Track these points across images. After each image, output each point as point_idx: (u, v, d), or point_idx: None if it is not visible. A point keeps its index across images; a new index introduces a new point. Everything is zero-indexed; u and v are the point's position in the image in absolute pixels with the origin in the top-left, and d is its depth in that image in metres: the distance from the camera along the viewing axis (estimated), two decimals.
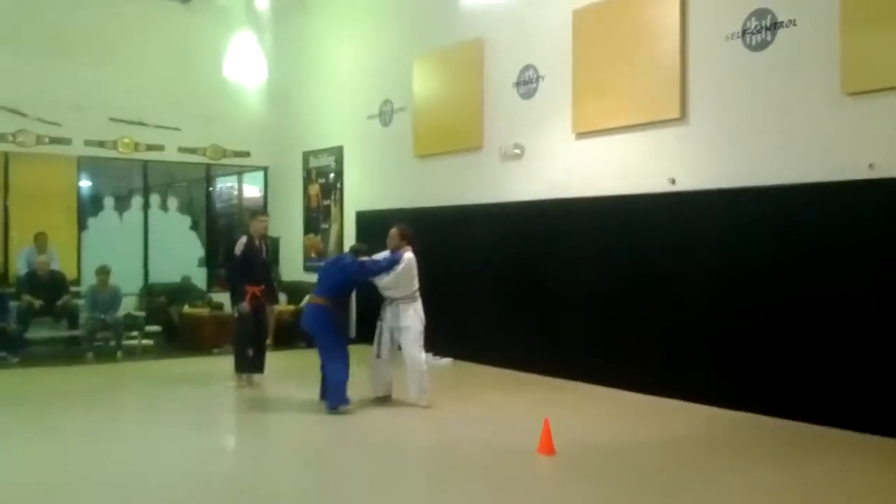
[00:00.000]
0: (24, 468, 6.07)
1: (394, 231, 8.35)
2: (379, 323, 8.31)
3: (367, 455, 6.57)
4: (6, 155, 13.46)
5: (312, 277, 14.05)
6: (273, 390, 9.29)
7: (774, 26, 7.75)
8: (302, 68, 15.01)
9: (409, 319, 8.09)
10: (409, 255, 8.20)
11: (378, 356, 8.26)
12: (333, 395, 7.80)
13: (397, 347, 8.24)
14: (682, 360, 8.37)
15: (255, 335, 9.45)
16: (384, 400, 8.24)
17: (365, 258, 8.31)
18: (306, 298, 8.56)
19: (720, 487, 5.52)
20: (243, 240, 9.40)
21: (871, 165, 7.00)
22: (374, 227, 13.02)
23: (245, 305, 9.20)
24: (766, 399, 7.58)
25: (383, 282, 8.16)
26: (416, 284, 8.23)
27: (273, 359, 9.72)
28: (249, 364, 9.36)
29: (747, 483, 5.61)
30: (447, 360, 10.95)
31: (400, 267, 8.09)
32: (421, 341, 8.12)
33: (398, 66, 12.54)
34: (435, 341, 11.24)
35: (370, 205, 13.16)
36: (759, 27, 7.87)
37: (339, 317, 8.20)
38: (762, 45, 7.86)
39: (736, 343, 7.92)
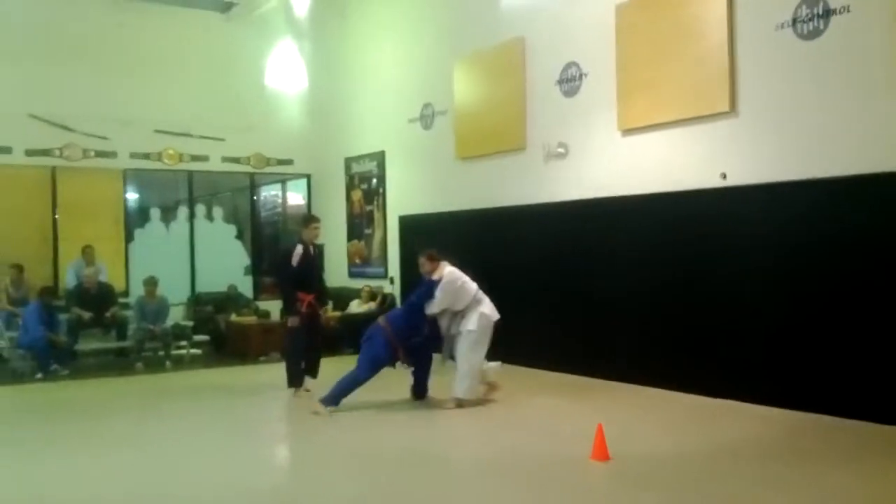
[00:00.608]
0: (74, 480, 6.06)
1: (421, 260, 8.39)
2: (447, 330, 8.28)
3: (417, 463, 6.44)
4: (54, 169, 13.65)
5: (357, 283, 14.08)
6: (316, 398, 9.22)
7: (827, 14, 7.49)
8: (342, 75, 15.00)
9: (471, 323, 8.05)
10: (447, 270, 8.20)
11: (445, 360, 8.42)
12: (333, 392, 7.99)
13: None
14: (738, 360, 8.13)
15: (311, 342, 9.27)
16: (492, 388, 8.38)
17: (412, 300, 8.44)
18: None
19: (788, 496, 5.29)
20: (299, 249, 9.09)
21: None
22: (417, 231, 13.00)
23: (296, 319, 8.98)
24: (827, 399, 7.31)
25: (432, 311, 8.17)
26: (471, 293, 8.16)
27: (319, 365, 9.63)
28: (304, 372, 9.23)
29: (817, 489, 5.39)
30: (496, 364, 10.76)
31: (443, 289, 8.08)
32: (483, 341, 8.06)
33: (438, 68, 12.46)
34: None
35: (413, 209, 13.08)
36: (810, 15, 7.62)
37: (386, 338, 8.14)
38: (814, 34, 7.60)
39: (793, 341, 7.67)
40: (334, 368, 10.28)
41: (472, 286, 8.19)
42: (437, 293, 8.08)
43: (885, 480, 5.55)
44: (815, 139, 7.63)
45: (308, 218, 9.67)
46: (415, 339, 8.14)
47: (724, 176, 8.35)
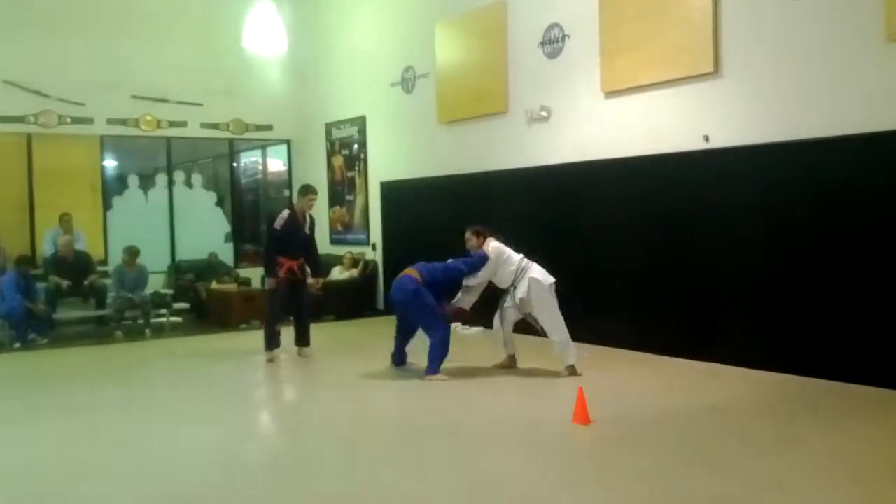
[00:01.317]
0: (54, 448, 5.98)
1: (468, 234, 8.27)
2: (501, 303, 8.14)
3: (396, 429, 6.42)
4: (29, 136, 13.39)
5: (339, 250, 13.97)
6: (302, 365, 9.17)
7: None
8: (322, 38, 14.79)
9: (524, 290, 7.89)
10: (493, 245, 8.11)
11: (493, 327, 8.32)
12: (431, 362, 7.86)
13: (513, 321, 8.14)
14: (721, 323, 8.12)
15: (296, 310, 9.35)
16: (509, 364, 8.23)
17: (456, 260, 8.31)
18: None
19: (769, 455, 5.29)
20: (285, 213, 9.16)
21: None
22: (398, 197, 12.89)
23: (273, 281, 9.06)
24: (813, 361, 7.30)
25: (475, 282, 8.13)
26: (515, 264, 8.02)
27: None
28: (295, 340, 9.30)
29: (806, 447, 5.40)
30: (477, 329, 10.77)
31: (488, 265, 8.05)
32: (552, 305, 7.85)
33: (420, 31, 12.28)
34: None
35: (395, 175, 12.96)
36: None
37: (426, 292, 7.96)
38: None
39: (777, 303, 7.66)
40: (316, 335, 10.25)
41: (515, 258, 8.07)
42: (480, 274, 8.09)
43: (866, 439, 5.55)
44: (800, 100, 7.55)
45: (306, 188, 9.63)
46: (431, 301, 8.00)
47: (706, 138, 8.28)
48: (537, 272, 7.95)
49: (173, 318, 12.38)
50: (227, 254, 14.91)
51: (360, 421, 6.64)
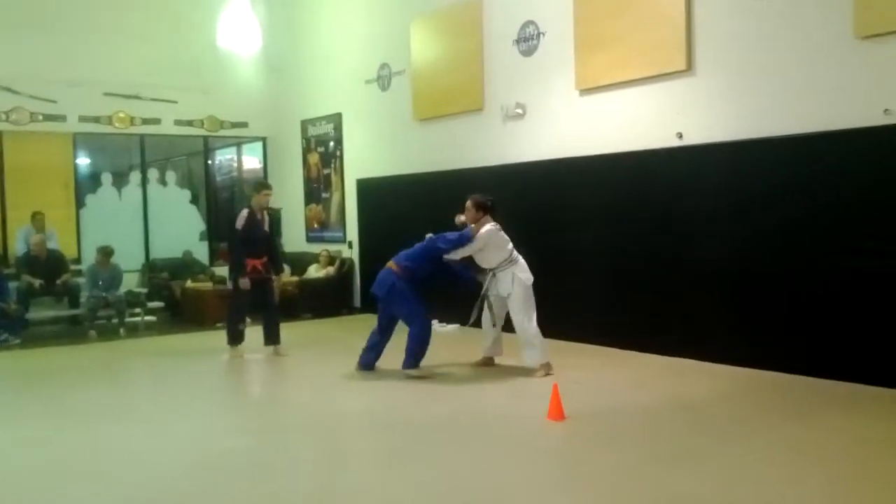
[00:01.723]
0: (27, 449, 5.92)
1: (468, 203, 7.90)
2: (481, 293, 7.97)
3: (375, 426, 6.43)
4: (0, 134, 13.23)
5: (315, 248, 13.94)
6: (277, 363, 9.14)
7: None
8: (297, 35, 14.72)
9: (508, 286, 7.73)
10: (484, 231, 7.77)
11: (469, 324, 8.15)
12: (408, 356, 7.80)
13: (503, 315, 7.98)
14: (695, 319, 8.18)
15: (263, 308, 9.43)
16: (486, 363, 8.16)
17: (435, 236, 7.99)
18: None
19: (742, 446, 5.34)
20: (244, 213, 9.22)
21: (886, 111, 6.75)
22: (375, 195, 12.86)
23: (246, 281, 9.07)
24: (787, 357, 7.38)
25: (451, 256, 7.84)
26: (506, 252, 7.82)
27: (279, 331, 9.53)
28: (266, 340, 9.38)
29: (771, 439, 5.45)
30: (453, 327, 10.78)
31: (468, 247, 7.76)
32: (527, 306, 7.69)
33: (395, 28, 12.26)
34: (440, 307, 11.11)
35: (371, 172, 12.93)
36: None
37: (408, 284, 7.86)
38: None
39: (748, 299, 7.73)
40: (292, 333, 10.24)
41: (507, 246, 7.84)
42: (467, 247, 7.76)
43: (833, 432, 5.63)
44: (772, 97, 7.63)
45: (259, 184, 9.73)
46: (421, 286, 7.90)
47: (679, 135, 8.33)
48: (523, 270, 7.82)
49: (148, 318, 12.29)
50: (201, 252, 14.80)
51: (334, 418, 6.63)
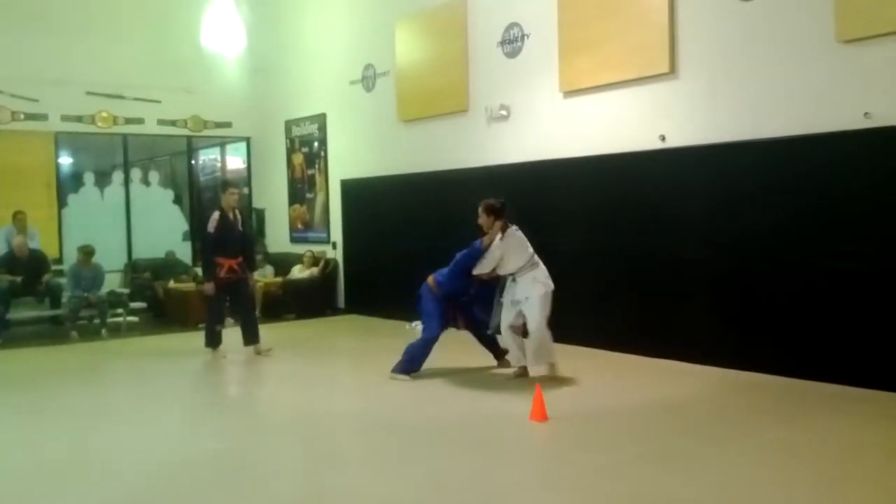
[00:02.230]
0: (6, 450, 5.88)
1: (479, 209, 7.58)
2: (497, 298, 7.69)
3: (352, 427, 6.41)
4: None
5: (299, 249, 13.91)
6: (259, 364, 9.11)
7: None
8: (281, 35, 14.68)
9: (526, 289, 7.44)
10: (497, 240, 7.44)
11: (490, 331, 7.93)
12: (402, 359, 7.74)
13: (522, 320, 7.56)
14: (680, 320, 8.21)
15: (240, 308, 9.44)
16: (522, 373, 7.65)
17: (460, 253, 7.77)
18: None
19: (728, 447, 5.37)
20: (216, 215, 9.18)
21: (866, 115, 6.81)
22: (359, 195, 12.84)
23: (211, 286, 9.13)
24: (771, 359, 7.42)
25: (481, 271, 7.55)
26: (526, 255, 7.52)
27: (261, 331, 9.50)
28: (245, 340, 9.33)
29: (757, 441, 5.48)
30: None
31: (487, 259, 7.46)
32: (546, 309, 7.40)
33: (380, 29, 12.25)
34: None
35: (355, 173, 12.92)
36: None
37: (436, 296, 7.78)
38: None
39: (734, 301, 7.77)
40: (276, 334, 10.23)
41: (527, 252, 7.52)
42: (484, 262, 7.46)
43: (820, 433, 5.66)
44: (754, 100, 7.68)
45: (224, 184, 9.79)
46: (462, 300, 7.81)
47: (662, 138, 8.37)
48: (544, 276, 7.52)
49: (130, 318, 12.20)
50: (184, 252, 14.72)
51: (316, 419, 6.61)
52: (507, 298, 7.61)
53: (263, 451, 5.82)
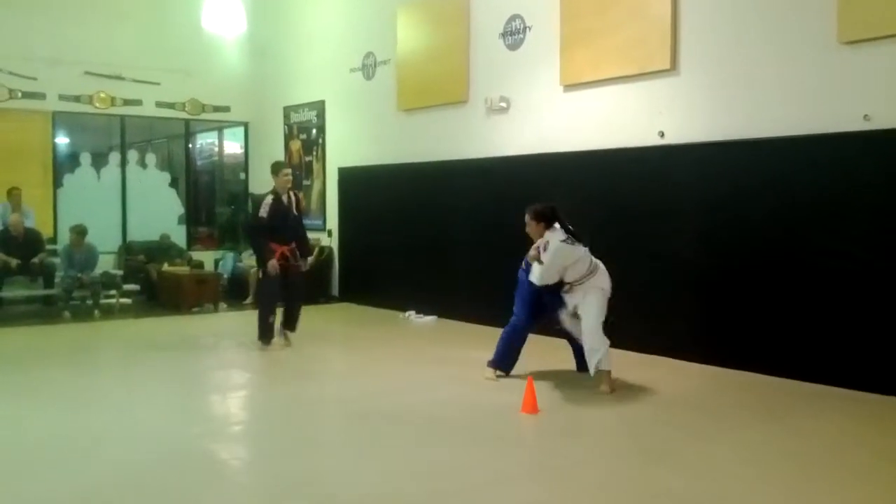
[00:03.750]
0: (4, 430, 5.83)
1: (526, 217, 6.98)
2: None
3: (342, 415, 6.40)
4: None
5: None
6: (250, 350, 9.09)
7: None
8: (282, 20, 14.63)
9: (580, 297, 6.87)
10: (550, 248, 6.73)
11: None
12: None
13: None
14: (670, 316, 8.21)
15: (286, 295, 8.78)
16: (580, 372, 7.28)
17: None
18: None
19: (715, 443, 5.38)
20: (269, 199, 8.56)
21: (866, 117, 6.80)
22: (356, 183, 12.82)
23: (274, 264, 8.42)
24: (758, 357, 7.43)
25: (540, 283, 6.88)
26: (584, 265, 6.85)
27: (252, 317, 9.44)
28: (283, 324, 8.83)
29: (744, 438, 5.49)
30: (431, 318, 10.80)
31: (537, 268, 6.84)
32: (600, 314, 6.81)
33: (381, 17, 12.21)
34: (419, 299, 11.14)
35: (353, 161, 12.89)
36: None
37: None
38: None
39: (726, 299, 7.77)
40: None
41: (584, 261, 6.87)
42: (543, 260, 6.75)
43: (805, 432, 5.67)
44: (754, 99, 7.66)
45: (277, 165, 9.04)
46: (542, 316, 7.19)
47: (661, 134, 8.36)
48: (603, 280, 6.94)
49: (123, 300, 12.19)
50: (179, 236, 14.68)
51: (305, 407, 6.60)
52: (566, 309, 7.02)
53: (246, 436, 5.82)
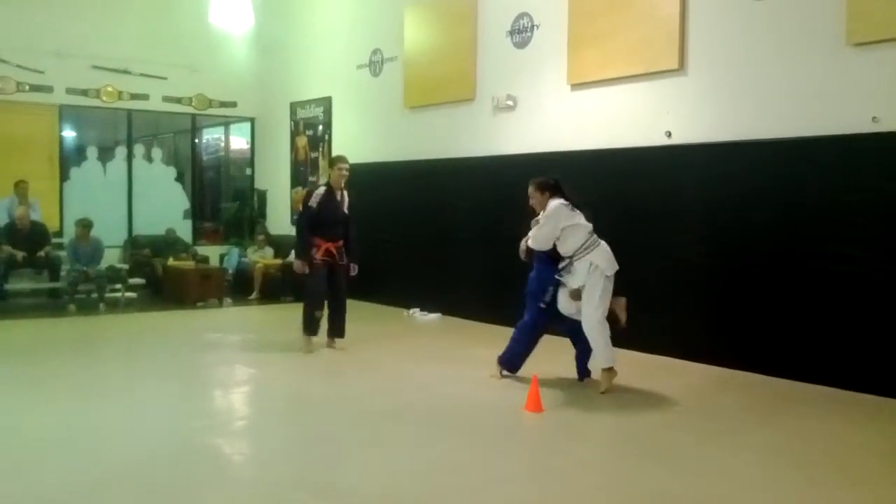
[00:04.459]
0: (7, 422, 5.83)
1: (530, 189, 6.92)
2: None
3: (345, 412, 6.38)
4: None
5: None
6: (251, 345, 9.11)
7: None
8: (290, 16, 14.63)
9: (582, 277, 6.65)
10: (549, 207, 6.75)
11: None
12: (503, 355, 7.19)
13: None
14: (673, 316, 8.20)
15: (330, 296, 8.44)
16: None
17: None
18: None
19: (718, 444, 5.37)
20: (321, 190, 8.34)
21: (874, 119, 6.78)
22: (362, 180, 12.79)
23: (300, 264, 8.22)
24: (763, 358, 7.42)
25: (534, 245, 6.85)
26: (582, 234, 6.73)
27: (257, 313, 9.48)
28: (329, 332, 8.54)
29: (747, 439, 5.48)
30: (435, 316, 10.80)
31: (535, 230, 6.84)
32: (602, 300, 6.64)
33: (389, 13, 12.20)
34: (424, 296, 11.14)
35: (359, 157, 12.81)
36: None
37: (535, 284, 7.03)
38: None
39: (730, 299, 7.75)
40: (273, 316, 10.20)
41: (583, 228, 6.72)
42: (534, 232, 6.76)
43: (809, 434, 5.66)
44: (762, 101, 7.65)
45: (335, 159, 8.70)
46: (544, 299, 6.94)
47: (668, 134, 8.35)
48: (603, 258, 6.70)
49: (128, 294, 12.22)
50: (185, 230, 14.72)
51: (308, 403, 6.60)
52: (565, 287, 6.84)
53: (248, 430, 5.82)
